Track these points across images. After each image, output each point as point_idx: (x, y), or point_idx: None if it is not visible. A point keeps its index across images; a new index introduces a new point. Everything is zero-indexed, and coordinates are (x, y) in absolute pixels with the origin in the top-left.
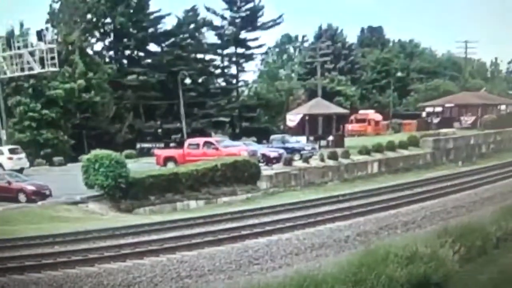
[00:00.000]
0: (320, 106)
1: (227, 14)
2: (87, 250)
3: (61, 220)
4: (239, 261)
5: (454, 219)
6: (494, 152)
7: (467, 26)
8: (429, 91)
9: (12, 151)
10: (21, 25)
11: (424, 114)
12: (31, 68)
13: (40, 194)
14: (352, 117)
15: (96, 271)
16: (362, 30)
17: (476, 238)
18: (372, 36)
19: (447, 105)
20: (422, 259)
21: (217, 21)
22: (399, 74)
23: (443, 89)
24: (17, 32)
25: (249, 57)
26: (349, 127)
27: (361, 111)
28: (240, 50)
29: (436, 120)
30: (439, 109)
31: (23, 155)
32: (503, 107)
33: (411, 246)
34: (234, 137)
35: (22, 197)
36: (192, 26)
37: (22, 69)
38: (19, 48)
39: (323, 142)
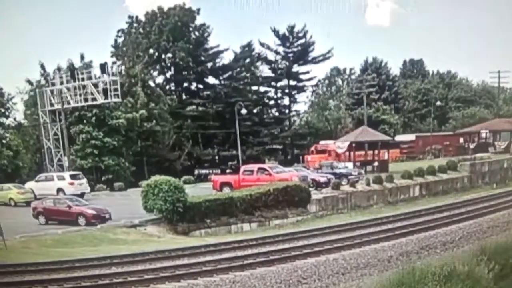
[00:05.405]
0: (366, 134)
1: (281, 49)
2: (144, 271)
3: (119, 243)
4: (289, 281)
5: (489, 239)
6: None
7: (499, 57)
8: (466, 118)
9: (73, 177)
10: (82, 57)
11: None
12: (94, 99)
13: (99, 218)
14: (313, 148)
15: None
16: (405, 62)
17: (510, 256)
18: (414, 68)
19: (482, 131)
20: (459, 277)
21: (271, 56)
22: (438, 103)
23: (478, 116)
24: (77, 64)
25: (301, 89)
26: (308, 158)
27: (322, 142)
28: (292, 83)
29: (472, 146)
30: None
31: (84, 180)
32: None
33: (449, 265)
34: (286, 163)
35: (82, 220)
36: (247, 60)
37: (86, 100)
38: (83, 79)
39: (368, 167)
